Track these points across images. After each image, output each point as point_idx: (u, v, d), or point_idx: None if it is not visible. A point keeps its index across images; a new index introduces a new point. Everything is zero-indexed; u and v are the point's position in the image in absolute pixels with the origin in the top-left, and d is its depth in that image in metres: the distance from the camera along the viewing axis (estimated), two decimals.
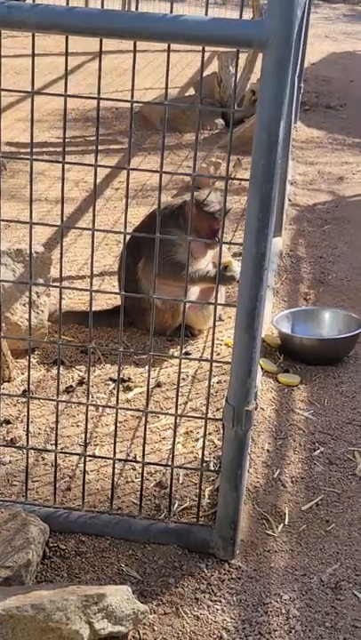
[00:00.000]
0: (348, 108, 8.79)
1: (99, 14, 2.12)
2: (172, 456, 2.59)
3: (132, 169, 2.33)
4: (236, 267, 3.99)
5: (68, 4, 2.17)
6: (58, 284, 2.57)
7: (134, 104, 2.29)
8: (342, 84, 9.91)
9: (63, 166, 2.33)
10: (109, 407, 2.97)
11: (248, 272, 2.27)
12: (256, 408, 2.42)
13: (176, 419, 2.55)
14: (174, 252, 3.74)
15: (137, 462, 2.80)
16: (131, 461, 2.86)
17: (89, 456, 2.70)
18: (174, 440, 2.57)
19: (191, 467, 2.89)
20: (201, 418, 2.64)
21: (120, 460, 2.81)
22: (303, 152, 6.98)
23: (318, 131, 7.63)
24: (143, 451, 2.60)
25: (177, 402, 2.54)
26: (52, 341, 3.54)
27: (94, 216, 2.39)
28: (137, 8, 8.87)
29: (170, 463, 2.65)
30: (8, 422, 3.15)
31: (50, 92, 7.83)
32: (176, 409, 2.54)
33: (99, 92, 2.29)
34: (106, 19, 2.11)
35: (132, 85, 2.26)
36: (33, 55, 2.31)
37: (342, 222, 5.56)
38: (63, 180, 2.35)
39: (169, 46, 2.20)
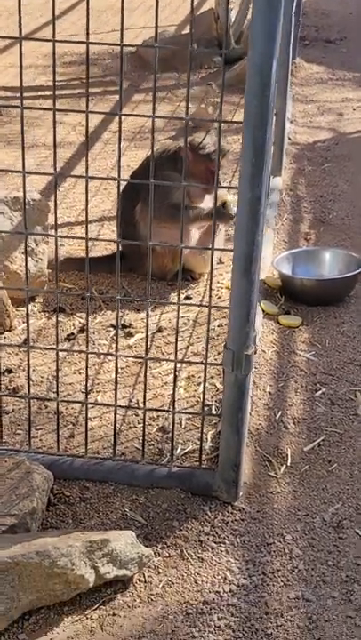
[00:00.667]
0: (348, 41, 8.64)
1: None
2: (174, 401, 2.60)
3: (125, 114, 2.29)
4: (234, 204, 3.96)
5: None
6: (54, 232, 2.55)
7: (129, 44, 2.25)
8: (341, 16, 9.72)
9: (54, 114, 2.30)
10: (110, 355, 2.97)
11: (244, 216, 2.26)
12: (256, 352, 2.41)
13: (176, 364, 2.55)
14: (172, 194, 3.71)
15: (139, 409, 2.81)
16: (133, 408, 2.88)
17: (91, 404, 2.72)
18: (175, 386, 2.57)
19: (193, 411, 2.90)
20: (201, 363, 2.64)
21: (122, 406, 2.82)
22: (303, 89, 6.88)
23: (318, 66, 7.51)
24: (144, 397, 2.61)
25: (176, 348, 2.54)
26: (50, 290, 3.53)
27: (87, 165, 2.36)
28: None
29: (171, 409, 2.66)
30: (10, 371, 3.16)
31: (43, 34, 7.76)
32: (176, 355, 2.54)
33: (87, 37, 2.25)
34: None
35: (122, 28, 2.22)
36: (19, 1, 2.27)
37: (343, 160, 5.50)
38: (55, 129, 2.33)
39: None
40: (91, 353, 2.66)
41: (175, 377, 2.57)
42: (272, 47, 2.10)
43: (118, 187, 2.45)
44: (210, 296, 2.44)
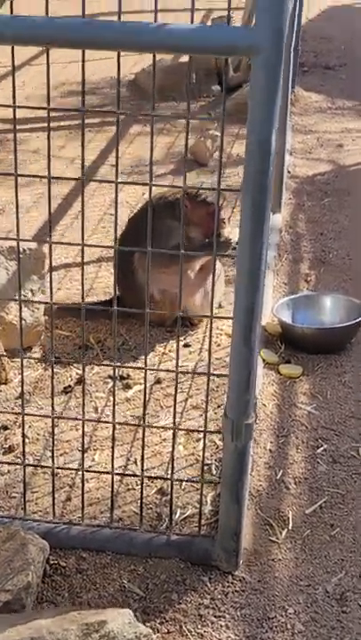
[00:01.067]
0: (348, 67, 8.62)
1: (79, 25, 2.02)
2: (172, 468, 2.54)
3: (121, 182, 2.24)
4: (226, 232, 3.91)
5: (47, 14, 2.08)
6: (48, 294, 2.49)
7: (127, 73, 2.20)
8: (341, 41, 9.71)
9: (49, 181, 2.26)
10: (105, 423, 2.90)
11: (242, 287, 2.20)
12: (256, 420, 2.36)
13: (175, 431, 2.49)
14: (171, 241, 3.66)
15: (136, 476, 2.75)
16: (130, 476, 2.81)
17: (87, 470, 2.65)
18: (173, 453, 2.51)
19: (191, 477, 2.83)
20: (200, 431, 2.58)
21: (119, 474, 2.76)
22: (302, 118, 6.85)
23: (317, 94, 7.48)
24: (142, 463, 2.55)
25: (175, 414, 2.49)
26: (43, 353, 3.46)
27: (83, 232, 2.31)
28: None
29: (170, 471, 2.60)
30: (5, 428, 3.10)
31: (40, 61, 7.71)
32: (174, 421, 2.49)
33: (83, 103, 2.20)
34: (87, 30, 2.01)
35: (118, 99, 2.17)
36: (13, 68, 2.22)
37: (343, 194, 5.45)
38: (50, 200, 2.28)
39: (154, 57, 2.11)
40: (87, 420, 2.60)
41: (173, 442, 2.51)
42: (271, 118, 2.05)
43: (115, 254, 2.37)
44: (209, 362, 2.38)
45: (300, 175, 5.70)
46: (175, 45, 2.02)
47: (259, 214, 2.12)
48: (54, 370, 3.01)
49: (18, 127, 2.48)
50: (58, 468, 2.65)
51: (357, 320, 3.61)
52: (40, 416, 3.06)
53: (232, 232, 3.79)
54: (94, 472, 2.77)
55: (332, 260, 4.53)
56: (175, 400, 2.46)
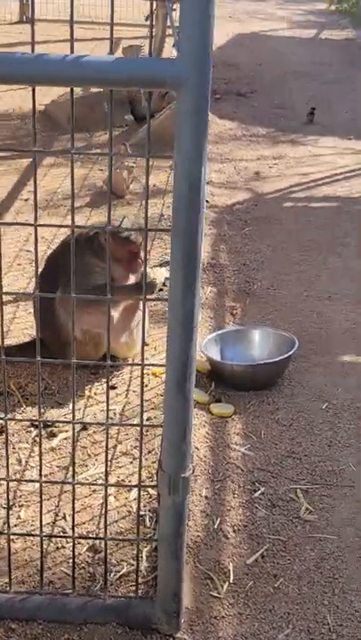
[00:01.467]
0: (259, 94, 8.63)
1: None
2: (105, 527, 2.37)
3: (41, 225, 2.09)
4: (152, 273, 3.80)
5: None
6: None
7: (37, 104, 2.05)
8: (250, 67, 9.74)
9: None
10: (33, 481, 2.72)
11: (177, 332, 2.07)
12: (193, 472, 2.22)
13: (106, 489, 2.33)
14: (94, 278, 3.52)
15: (67, 537, 2.57)
16: (61, 537, 2.63)
17: (13, 534, 2.47)
18: (106, 512, 2.35)
19: (126, 537, 2.66)
20: (135, 486, 2.43)
21: (49, 536, 2.58)
22: (218, 147, 6.78)
23: (231, 122, 7.44)
24: (73, 524, 2.38)
25: (107, 471, 2.33)
26: None
27: (0, 276, 2.14)
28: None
29: (101, 526, 2.44)
30: None
31: None
32: (106, 478, 2.33)
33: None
34: None
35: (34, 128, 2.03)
36: None
37: (263, 222, 5.39)
38: None
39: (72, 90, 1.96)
40: (11, 480, 2.41)
41: (106, 501, 2.34)
42: (200, 154, 1.93)
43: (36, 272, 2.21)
44: (141, 417, 2.23)
45: (220, 205, 5.62)
46: (95, 79, 1.89)
47: (191, 259, 2.00)
48: None
49: None
50: None
51: (288, 354, 3.51)
52: None
53: (154, 271, 3.67)
54: (21, 535, 2.59)
55: (257, 291, 4.44)
56: (107, 454, 2.30)
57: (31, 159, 6.12)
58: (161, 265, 4.33)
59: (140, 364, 2.22)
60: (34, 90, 1.95)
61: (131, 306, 3.62)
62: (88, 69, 1.86)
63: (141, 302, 3.31)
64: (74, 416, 2.24)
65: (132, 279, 3.63)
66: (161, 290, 3.99)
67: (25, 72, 1.86)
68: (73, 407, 2.22)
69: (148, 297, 3.39)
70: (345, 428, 3.29)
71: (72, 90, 2.00)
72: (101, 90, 7.48)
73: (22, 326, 3.97)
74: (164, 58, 1.93)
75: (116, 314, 3.60)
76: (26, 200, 5.56)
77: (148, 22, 8.04)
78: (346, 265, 4.80)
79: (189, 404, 2.14)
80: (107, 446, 2.27)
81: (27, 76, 1.87)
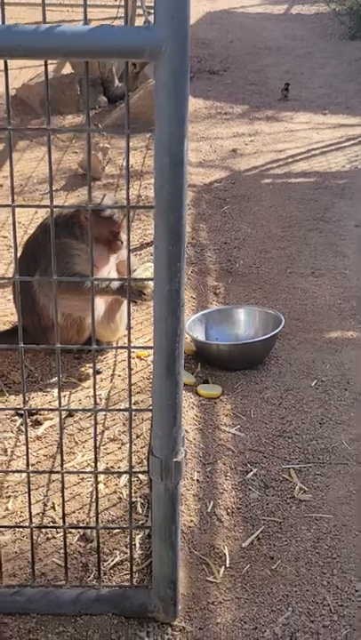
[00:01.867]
0: (232, 71, 8.55)
1: None
2: (97, 516, 2.30)
3: (19, 206, 2.00)
4: (144, 270, 3.71)
5: None
6: None
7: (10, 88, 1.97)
8: (222, 45, 9.65)
9: None
10: (21, 472, 2.64)
11: (163, 310, 2.00)
12: (186, 455, 2.15)
13: (96, 476, 2.26)
14: (73, 262, 3.43)
15: (58, 527, 2.50)
16: (51, 527, 2.55)
17: (2, 527, 2.40)
18: (97, 501, 2.27)
19: (119, 525, 2.59)
20: (126, 472, 2.36)
21: (39, 527, 2.51)
22: (193, 126, 6.69)
23: (205, 100, 7.36)
24: (63, 513, 2.30)
25: (96, 458, 2.25)
26: None
27: None
28: None
29: (91, 514, 2.37)
30: None
31: None
32: (96, 466, 2.25)
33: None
34: None
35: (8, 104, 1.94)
36: None
37: (242, 200, 5.31)
38: None
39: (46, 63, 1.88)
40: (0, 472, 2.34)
41: (96, 489, 2.27)
42: (182, 124, 1.85)
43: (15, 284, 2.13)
44: (130, 402, 2.16)
45: (197, 184, 5.53)
46: (71, 50, 1.80)
47: (176, 234, 1.92)
48: None
49: None
50: None
51: (275, 332, 3.45)
52: None
53: (145, 267, 3.58)
54: (11, 527, 2.51)
55: (239, 269, 4.37)
56: (95, 440, 2.23)
57: (3, 145, 6.04)
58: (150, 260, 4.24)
59: (126, 347, 2.15)
60: (6, 63, 1.86)
61: None
62: (63, 40, 1.77)
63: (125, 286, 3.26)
64: (60, 403, 2.16)
65: (111, 261, 3.55)
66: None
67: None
68: (59, 394, 2.14)
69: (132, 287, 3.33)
70: (335, 404, 3.24)
71: (46, 63, 1.92)
72: (73, 71, 7.38)
73: (1, 314, 3.88)
74: (140, 26, 1.84)
75: (100, 299, 3.52)
76: (0, 185, 5.45)
77: (118, 2, 7.91)
78: (327, 240, 4.74)
79: (179, 387, 2.07)
80: (95, 433, 2.20)
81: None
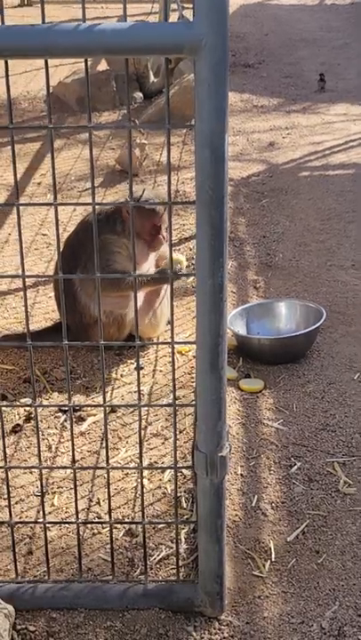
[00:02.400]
0: (267, 64, 8.51)
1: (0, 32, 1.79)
2: (143, 511, 2.31)
3: (61, 204, 2.02)
4: (185, 262, 3.72)
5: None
6: None
7: (44, 86, 1.99)
8: (257, 38, 9.62)
9: None
10: (66, 468, 2.66)
11: (205, 306, 2.00)
12: (231, 450, 2.15)
13: (141, 472, 2.27)
14: (113, 260, 3.45)
15: (104, 522, 2.52)
16: (97, 523, 2.57)
17: (49, 522, 2.42)
18: (142, 496, 2.29)
19: (163, 520, 2.59)
20: (170, 468, 2.37)
21: (85, 522, 2.53)
22: (229, 120, 6.66)
23: (241, 94, 7.34)
24: (109, 509, 2.32)
25: (141, 454, 2.26)
26: None
27: (23, 263, 2.07)
28: None
29: (137, 510, 2.38)
30: None
31: None
32: (141, 461, 2.26)
33: (11, 120, 1.97)
34: (8, 37, 1.79)
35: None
36: None
37: (280, 193, 5.30)
38: None
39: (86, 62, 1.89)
40: (44, 468, 2.36)
41: (142, 485, 2.28)
42: (222, 120, 1.86)
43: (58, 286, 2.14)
44: (174, 397, 2.16)
45: (235, 178, 5.52)
46: (109, 47, 1.81)
47: (217, 229, 1.92)
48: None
49: None
50: (15, 522, 2.41)
51: (316, 325, 3.43)
52: None
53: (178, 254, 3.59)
54: (58, 523, 2.53)
55: (279, 263, 4.36)
56: (140, 436, 2.24)
57: (41, 143, 6.07)
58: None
59: (169, 343, 2.15)
60: (46, 62, 1.87)
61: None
62: (102, 38, 1.78)
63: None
64: (104, 399, 2.17)
65: (151, 257, 3.56)
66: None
67: (37, 44, 1.79)
68: (103, 390, 2.15)
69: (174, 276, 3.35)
70: None
71: (86, 61, 1.93)
72: (108, 67, 7.40)
73: (43, 311, 3.91)
74: (178, 21, 1.85)
75: (140, 294, 3.53)
76: (39, 184, 5.49)
77: None
78: None
79: (223, 382, 2.07)
80: (140, 428, 2.21)
81: (40, 49, 1.80)
